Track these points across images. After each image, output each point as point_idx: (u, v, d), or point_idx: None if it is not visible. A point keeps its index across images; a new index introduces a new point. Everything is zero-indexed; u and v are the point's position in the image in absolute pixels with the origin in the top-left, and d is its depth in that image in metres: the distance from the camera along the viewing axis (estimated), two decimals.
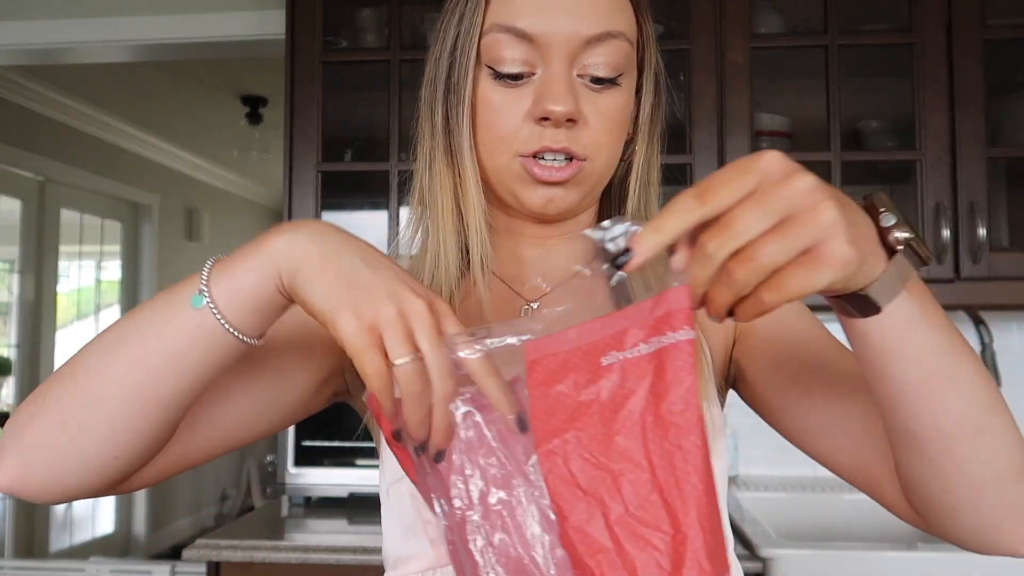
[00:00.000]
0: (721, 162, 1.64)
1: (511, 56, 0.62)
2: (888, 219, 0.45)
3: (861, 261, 0.41)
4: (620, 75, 0.64)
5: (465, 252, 0.67)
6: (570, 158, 0.63)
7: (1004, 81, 1.76)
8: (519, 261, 0.71)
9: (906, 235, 0.45)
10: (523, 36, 0.62)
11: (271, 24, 2.07)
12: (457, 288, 0.66)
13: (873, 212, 0.45)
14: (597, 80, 0.63)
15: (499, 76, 0.63)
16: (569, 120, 0.62)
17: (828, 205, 0.39)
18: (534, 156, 0.63)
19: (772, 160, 0.40)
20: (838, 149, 1.64)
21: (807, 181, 0.40)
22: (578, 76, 0.63)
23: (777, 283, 0.40)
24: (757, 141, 1.73)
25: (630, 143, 0.70)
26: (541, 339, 0.47)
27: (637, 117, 0.69)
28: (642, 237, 0.41)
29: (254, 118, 3.98)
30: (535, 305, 0.70)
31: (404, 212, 1.73)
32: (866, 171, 1.83)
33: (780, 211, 0.39)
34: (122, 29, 2.16)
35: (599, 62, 0.62)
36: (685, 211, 0.40)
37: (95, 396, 0.52)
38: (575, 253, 0.71)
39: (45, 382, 0.54)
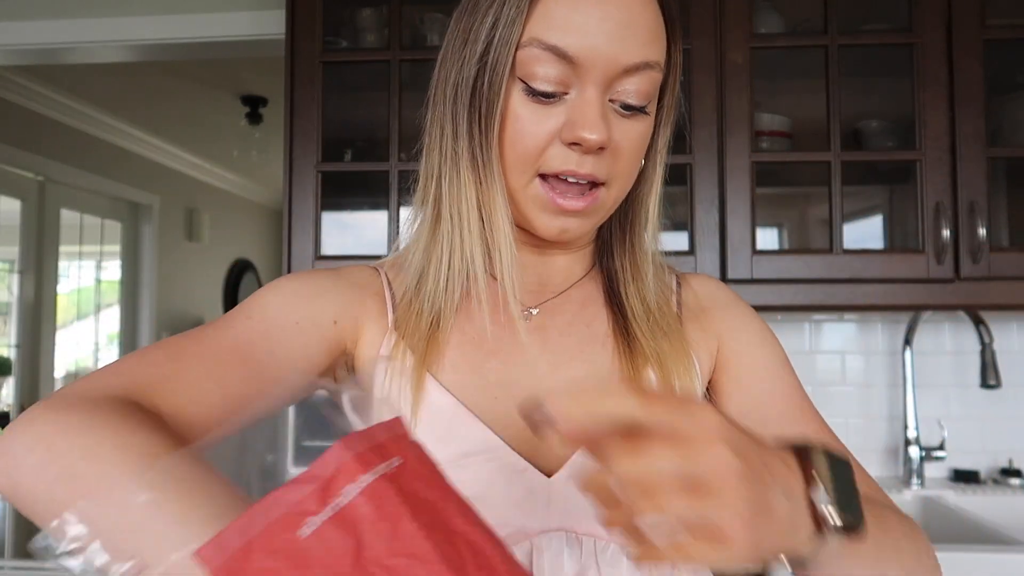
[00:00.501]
0: (721, 162, 1.64)
1: (547, 74, 0.61)
2: (817, 494, 0.44)
3: (757, 547, 0.39)
4: (648, 103, 0.64)
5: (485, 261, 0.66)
6: (591, 184, 0.63)
7: (1004, 81, 1.76)
8: (519, 266, 0.69)
9: (831, 513, 0.44)
10: (563, 56, 0.60)
11: (271, 24, 2.07)
12: (482, 293, 0.65)
13: (808, 477, 0.44)
14: (627, 107, 0.62)
15: (532, 92, 0.61)
16: (600, 149, 0.61)
17: (735, 490, 0.38)
18: (556, 177, 0.63)
19: (707, 419, 0.40)
20: (838, 149, 1.64)
21: (725, 457, 0.38)
22: (609, 100, 0.62)
23: (679, 545, 0.38)
24: (757, 141, 1.73)
25: (644, 166, 0.70)
26: (213, 540, 0.38)
27: (656, 141, 0.70)
28: (569, 412, 0.40)
29: (254, 118, 3.98)
30: (535, 311, 0.70)
31: (404, 212, 1.74)
32: (866, 171, 1.83)
33: (693, 476, 0.38)
34: (122, 29, 2.16)
35: (632, 90, 0.62)
36: (621, 405, 0.40)
37: (24, 496, 0.49)
38: (573, 262, 0.73)
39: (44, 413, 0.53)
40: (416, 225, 0.70)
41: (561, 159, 0.62)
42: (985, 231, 1.58)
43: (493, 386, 0.65)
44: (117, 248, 4.52)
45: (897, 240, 1.91)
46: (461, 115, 0.64)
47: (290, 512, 0.38)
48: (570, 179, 0.62)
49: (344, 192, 1.90)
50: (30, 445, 0.49)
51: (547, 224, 0.65)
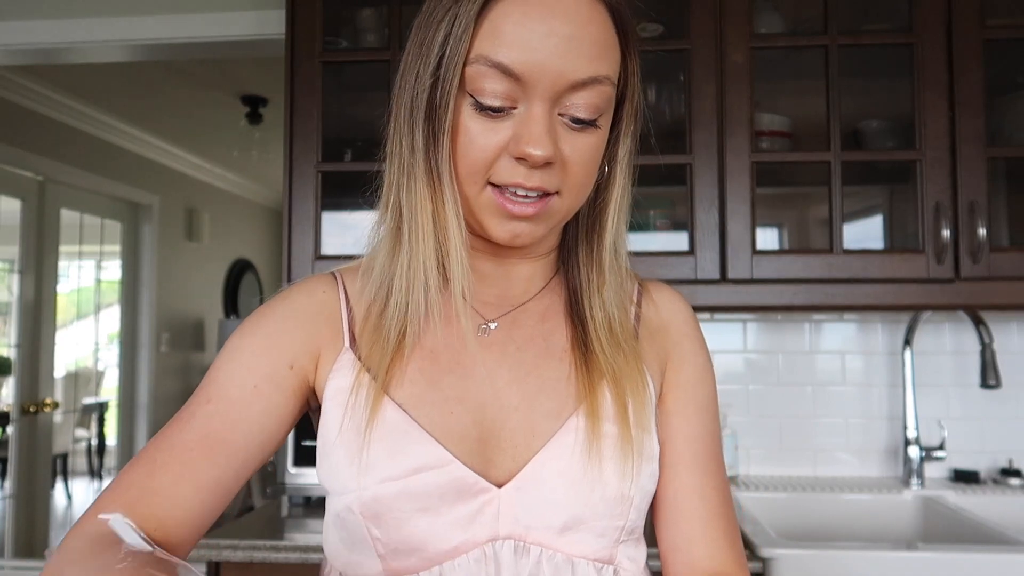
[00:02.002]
0: (721, 162, 1.64)
1: (494, 90, 0.61)
2: None
3: None
4: (600, 116, 0.64)
5: (440, 271, 0.67)
6: (541, 194, 0.64)
7: (1004, 81, 1.76)
8: (478, 275, 0.71)
9: None
10: (508, 73, 0.60)
11: (271, 24, 2.07)
12: (434, 306, 0.67)
13: None
14: (577, 121, 0.63)
15: (479, 107, 0.62)
16: (546, 163, 0.62)
17: None
18: (506, 188, 0.63)
19: None
20: (838, 149, 1.64)
21: None
22: (559, 115, 0.62)
23: None
24: (757, 141, 1.73)
25: (606, 175, 0.71)
26: None
27: (616, 151, 0.70)
28: None
29: (254, 118, 3.98)
30: (493, 325, 0.71)
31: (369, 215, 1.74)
32: (866, 171, 1.83)
33: None
34: (122, 29, 2.16)
35: (581, 104, 0.62)
36: None
37: None
38: (534, 272, 0.74)
39: None
40: (379, 232, 0.71)
41: (509, 172, 0.62)
42: (985, 231, 1.58)
43: (450, 400, 0.67)
44: (117, 248, 4.52)
45: (897, 240, 1.91)
46: (417, 127, 0.65)
47: None
48: (519, 191, 0.63)
49: (344, 192, 1.90)
50: None
51: (499, 229, 0.65)
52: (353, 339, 0.70)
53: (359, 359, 0.68)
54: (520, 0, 0.60)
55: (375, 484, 0.63)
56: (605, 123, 0.65)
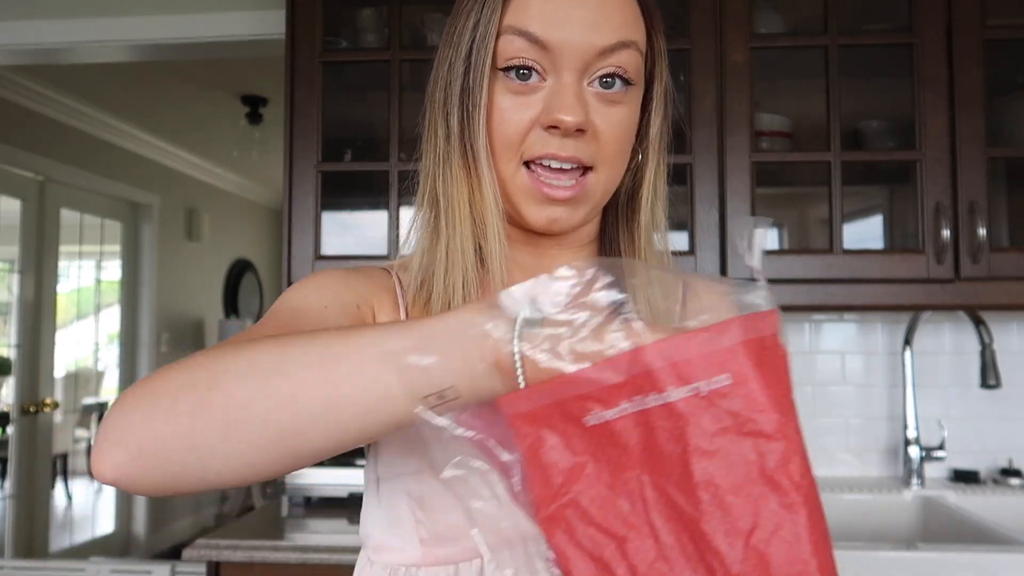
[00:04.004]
0: (721, 162, 1.64)
1: (523, 58, 0.63)
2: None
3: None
4: (629, 84, 0.64)
5: (477, 255, 0.67)
6: (577, 168, 0.64)
7: (1004, 81, 1.76)
8: (516, 266, 0.70)
9: None
10: (536, 42, 0.62)
11: (271, 24, 2.07)
12: (475, 292, 0.66)
13: None
14: (606, 83, 0.64)
15: (511, 75, 0.64)
16: (579, 130, 0.62)
17: None
18: (540, 164, 0.64)
19: None
20: (838, 149, 1.64)
21: None
22: (588, 85, 0.64)
23: None
24: (757, 141, 1.73)
25: (637, 156, 0.70)
26: (523, 392, 0.43)
27: (648, 131, 0.70)
28: None
29: (254, 118, 3.98)
30: None
31: (405, 213, 1.74)
32: (866, 171, 1.83)
33: None
34: (122, 29, 2.16)
35: (610, 67, 0.63)
36: None
37: (238, 428, 0.47)
38: (576, 262, 0.71)
39: (170, 375, 0.50)
40: (417, 227, 0.72)
41: (543, 143, 0.63)
42: (985, 231, 1.58)
43: None
44: (117, 248, 4.52)
45: (897, 240, 1.91)
46: (452, 113, 0.66)
47: (598, 392, 0.41)
48: (553, 164, 0.63)
49: (344, 192, 1.90)
50: (138, 421, 0.48)
51: (536, 214, 0.66)
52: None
53: None
54: None
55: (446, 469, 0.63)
56: (635, 97, 0.66)
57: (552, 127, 0.62)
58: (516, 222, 0.68)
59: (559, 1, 0.62)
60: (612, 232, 0.73)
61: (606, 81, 0.64)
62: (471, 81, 0.64)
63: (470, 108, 0.64)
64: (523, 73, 0.63)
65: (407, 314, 0.70)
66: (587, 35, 0.62)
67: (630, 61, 0.64)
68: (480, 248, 0.66)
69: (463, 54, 0.65)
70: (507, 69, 0.64)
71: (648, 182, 0.70)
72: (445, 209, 0.67)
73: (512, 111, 0.64)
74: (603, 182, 0.66)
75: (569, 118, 0.61)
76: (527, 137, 0.64)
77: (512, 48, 0.63)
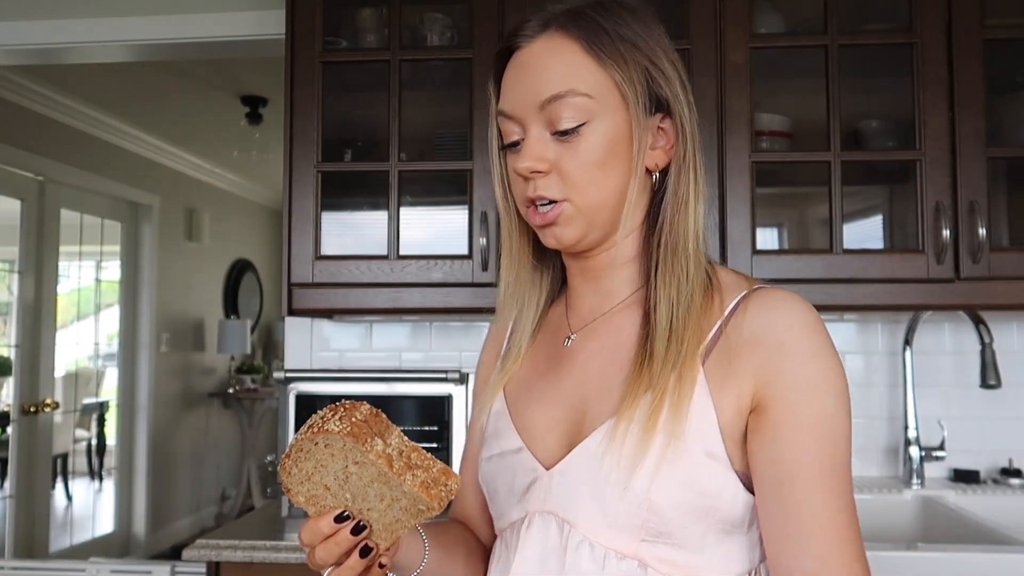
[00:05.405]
0: (721, 162, 1.64)
1: (507, 131, 0.78)
2: None
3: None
4: (583, 124, 0.74)
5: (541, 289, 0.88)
6: (551, 202, 0.76)
7: (1004, 81, 1.76)
8: (574, 292, 0.85)
9: None
10: (505, 115, 0.78)
11: (271, 24, 2.07)
12: (534, 322, 0.87)
13: None
14: (562, 133, 0.75)
15: (505, 148, 0.80)
16: (536, 172, 0.75)
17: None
18: (532, 204, 0.77)
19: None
20: (838, 149, 1.64)
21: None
22: (552, 133, 0.75)
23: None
24: (757, 141, 1.73)
25: (665, 172, 0.79)
26: None
27: (675, 145, 0.78)
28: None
29: (254, 118, 3.98)
30: (573, 337, 0.83)
31: (405, 212, 1.74)
32: (866, 171, 1.83)
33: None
34: (122, 29, 2.16)
35: (556, 117, 0.74)
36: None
37: None
38: (619, 284, 0.81)
39: None
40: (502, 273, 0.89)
41: (522, 188, 0.78)
42: (985, 231, 1.58)
43: (532, 400, 0.82)
44: (117, 248, 4.52)
45: (897, 240, 1.91)
46: (496, 184, 0.85)
47: None
48: (538, 202, 0.77)
49: (344, 192, 1.90)
50: None
51: (544, 237, 0.79)
52: (502, 356, 0.91)
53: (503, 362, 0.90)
54: (511, 62, 0.78)
55: (484, 460, 0.83)
56: (596, 128, 0.75)
57: (520, 176, 0.77)
58: (568, 255, 0.83)
59: (512, 75, 0.77)
60: (647, 248, 0.80)
61: (561, 132, 0.75)
62: (495, 159, 0.84)
63: (501, 178, 0.84)
64: (514, 142, 0.78)
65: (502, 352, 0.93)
66: (528, 96, 0.75)
67: (571, 109, 0.74)
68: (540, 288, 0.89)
69: (493, 137, 0.83)
70: (506, 146, 0.79)
71: (669, 195, 0.78)
72: (504, 257, 0.86)
73: (510, 170, 0.80)
74: (586, 204, 0.76)
75: (522, 165, 0.76)
76: (518, 189, 0.79)
77: (504, 128, 0.79)
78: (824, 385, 0.70)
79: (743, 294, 0.75)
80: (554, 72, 0.74)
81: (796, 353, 0.71)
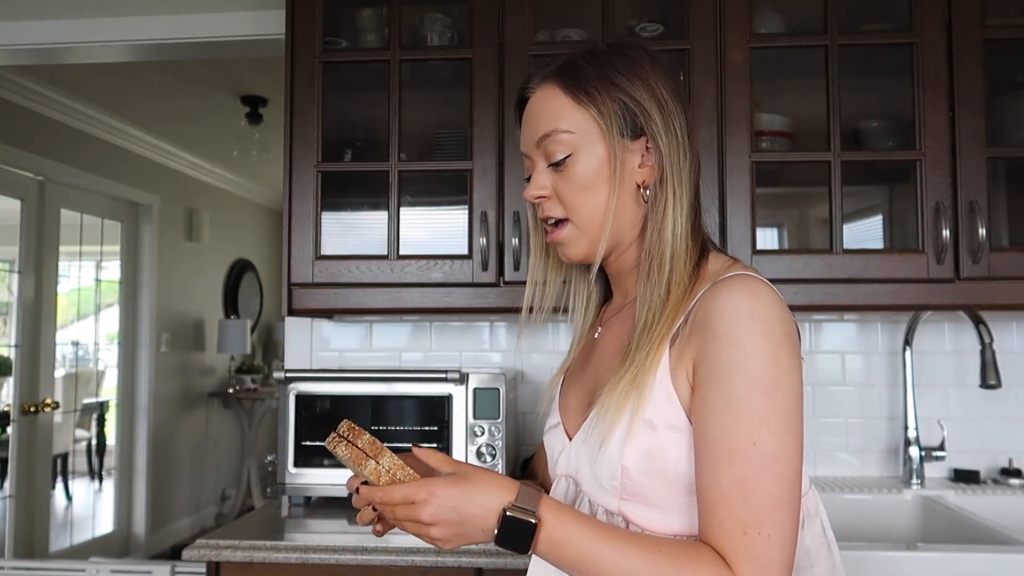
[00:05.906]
0: (721, 162, 1.64)
1: (526, 167, 0.97)
2: (495, 532, 0.79)
3: (452, 547, 0.82)
4: (569, 155, 0.90)
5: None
6: (557, 222, 0.93)
7: (1004, 81, 1.76)
8: (613, 292, 1.02)
9: (496, 538, 0.78)
10: (523, 154, 0.96)
11: (271, 24, 2.08)
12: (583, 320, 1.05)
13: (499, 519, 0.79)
14: (555, 164, 0.91)
15: (527, 180, 0.97)
16: (540, 197, 0.93)
17: (430, 529, 0.80)
18: (545, 223, 0.95)
19: (432, 492, 0.79)
20: (838, 149, 1.64)
21: (424, 515, 0.79)
22: (550, 166, 0.92)
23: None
24: (757, 141, 1.73)
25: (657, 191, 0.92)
26: None
27: (621, 174, 0.90)
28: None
29: (254, 118, 3.98)
30: (599, 331, 1.00)
31: (405, 212, 1.74)
32: (866, 171, 1.83)
33: (415, 518, 0.80)
34: (122, 29, 2.16)
35: (551, 152, 0.91)
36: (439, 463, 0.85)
37: None
38: (632, 283, 0.96)
39: None
40: None
41: (535, 212, 0.97)
42: (985, 231, 1.58)
43: (571, 384, 1.01)
44: (117, 248, 4.52)
45: (897, 240, 1.91)
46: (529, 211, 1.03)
47: None
48: (548, 223, 0.95)
49: (344, 192, 1.90)
50: None
51: (560, 254, 0.96)
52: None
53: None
54: (524, 111, 0.96)
55: (543, 433, 1.03)
56: (582, 157, 0.90)
57: (530, 202, 0.96)
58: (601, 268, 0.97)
59: (523, 122, 0.96)
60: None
61: (553, 164, 0.91)
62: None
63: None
64: (528, 176, 0.96)
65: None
66: (530, 137, 0.93)
67: (556, 145, 0.90)
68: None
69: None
70: (527, 179, 0.96)
71: (652, 211, 0.90)
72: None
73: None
74: (584, 221, 0.91)
75: (527, 194, 0.94)
76: (535, 211, 0.98)
77: (524, 165, 0.97)
78: (734, 371, 0.77)
79: (713, 283, 0.84)
80: (544, 115, 0.91)
81: (717, 339, 0.79)
